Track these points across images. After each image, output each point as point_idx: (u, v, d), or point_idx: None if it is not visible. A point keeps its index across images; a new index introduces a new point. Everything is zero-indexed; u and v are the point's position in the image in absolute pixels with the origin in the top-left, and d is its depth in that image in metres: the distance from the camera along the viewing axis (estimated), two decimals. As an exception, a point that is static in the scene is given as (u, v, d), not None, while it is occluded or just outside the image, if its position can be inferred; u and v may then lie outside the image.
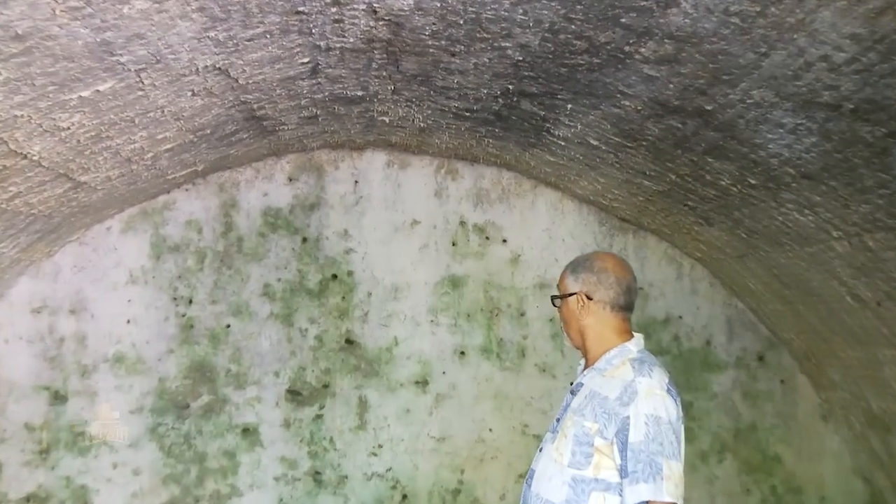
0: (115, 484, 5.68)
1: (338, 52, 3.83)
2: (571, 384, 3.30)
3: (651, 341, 6.07)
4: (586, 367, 3.30)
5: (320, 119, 5.07)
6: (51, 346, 5.68)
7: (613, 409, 3.04)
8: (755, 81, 3.26)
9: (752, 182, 4.31)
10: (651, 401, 3.02)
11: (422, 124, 5.23)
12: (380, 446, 5.90)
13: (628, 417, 3.00)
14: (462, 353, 6.01)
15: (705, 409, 6.09)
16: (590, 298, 3.26)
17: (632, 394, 3.04)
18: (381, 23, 3.43)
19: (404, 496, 5.88)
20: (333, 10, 3.27)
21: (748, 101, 3.44)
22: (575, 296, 3.28)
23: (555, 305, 3.39)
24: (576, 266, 3.33)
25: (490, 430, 5.98)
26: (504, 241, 6.11)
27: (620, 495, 3.01)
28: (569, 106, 4.26)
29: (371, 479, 5.87)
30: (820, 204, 4.15)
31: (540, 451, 3.24)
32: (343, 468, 5.87)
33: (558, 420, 3.23)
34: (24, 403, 5.64)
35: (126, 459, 5.71)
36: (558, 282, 3.39)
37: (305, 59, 3.87)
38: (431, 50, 3.76)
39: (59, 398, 5.66)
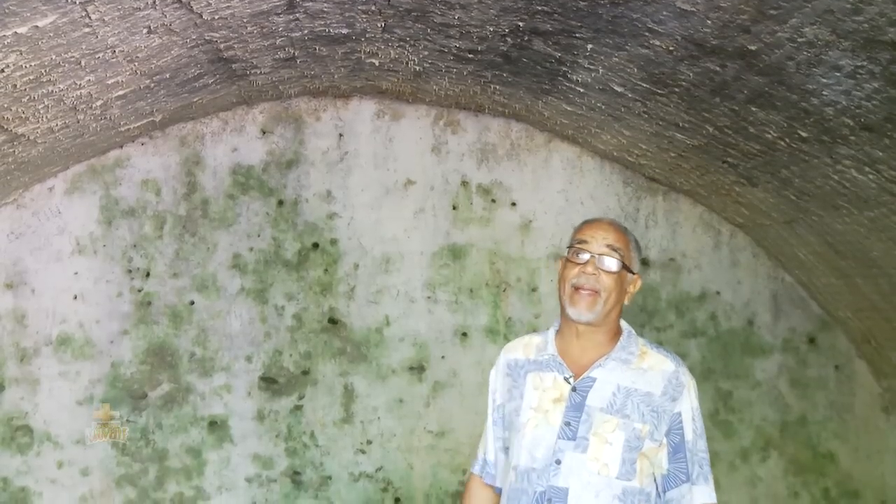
0: (61, 486, 5.71)
1: (318, -17, 3.82)
2: (567, 379, 3.15)
3: (684, 321, 6.09)
4: (560, 348, 3.23)
5: (298, 61, 5.06)
6: (-15, 326, 5.71)
7: (662, 407, 3.09)
8: (807, 16, 3.24)
9: (803, 135, 4.30)
10: (695, 392, 3.17)
11: (417, 68, 5.22)
12: (368, 442, 5.93)
13: (680, 414, 3.10)
14: (464, 334, 6.03)
15: (747, 399, 6.12)
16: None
17: (678, 386, 3.12)
18: (368, -53, 3.42)
19: (397, 500, 5.92)
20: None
21: (799, 39, 3.42)
22: (635, 276, 3.24)
23: (605, 269, 3.14)
24: (637, 241, 3.29)
25: (496, 423, 6.00)
26: (513, 204, 6.11)
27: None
28: (589, 46, 4.24)
29: (358, 480, 5.91)
30: (882, 160, 4.14)
31: (557, 463, 3.07)
32: (326, 468, 5.90)
33: (569, 424, 3.10)
34: (-46, 393, 5.68)
35: (73, 458, 5.73)
36: (618, 243, 3.19)
37: (280, -9, 3.87)
38: (428, -21, 3.75)
39: (-5, 387, 5.70)
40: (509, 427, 3.27)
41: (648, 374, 3.14)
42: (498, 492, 3.39)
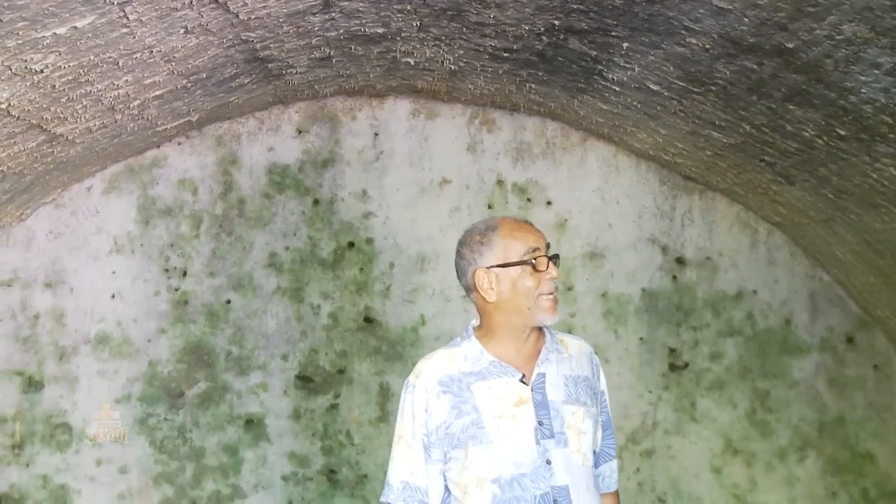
0: (100, 483, 5.75)
1: (354, -18, 3.83)
2: (522, 379, 3.11)
3: (720, 320, 6.06)
4: (496, 353, 3.19)
5: (334, 61, 5.07)
6: (23, 324, 5.74)
7: (594, 387, 3.25)
8: (845, 14, 3.21)
9: (842, 133, 4.27)
10: None
11: (452, 67, 5.22)
12: (404, 441, 5.93)
13: (604, 392, 3.31)
14: (499, 333, 6.01)
15: (784, 399, 6.08)
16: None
17: (596, 366, 3.31)
18: (404, -53, 3.42)
19: (432, 499, 5.91)
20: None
21: (837, 37, 3.40)
22: None
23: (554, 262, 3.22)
24: None
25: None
26: (548, 203, 6.10)
27: None
28: (625, 44, 4.23)
29: (394, 478, 5.91)
30: (922, 159, 4.11)
31: (548, 463, 3.05)
32: (362, 466, 5.91)
33: (542, 423, 3.07)
34: (-6, 391, 5.72)
35: (112, 456, 5.77)
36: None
37: (316, -9, 3.87)
38: (463, -21, 3.75)
39: (33, 385, 5.73)
40: (463, 444, 3.11)
41: (577, 359, 3.24)
42: None
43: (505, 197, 6.07)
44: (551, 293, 3.13)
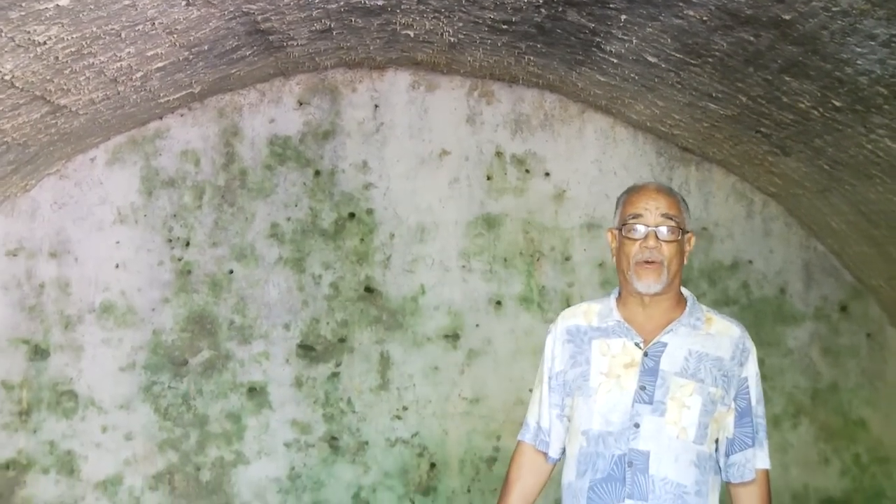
0: (105, 449, 5.77)
1: (354, -46, 3.80)
2: (639, 344, 3.14)
3: (716, 289, 6.06)
4: (625, 315, 3.22)
5: (335, 33, 5.05)
6: (29, 293, 5.74)
7: (731, 371, 3.12)
8: (842, -15, 3.20)
9: (837, 104, 4.25)
10: (756, 358, 3.22)
11: (452, 39, 5.20)
12: (404, 409, 5.95)
13: (746, 379, 3.16)
14: (498, 302, 6.02)
15: (779, 366, 6.09)
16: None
17: (745, 351, 3.16)
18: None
19: (432, 465, 5.93)
20: None
21: (834, 8, 3.37)
22: (689, 235, 3.22)
23: (665, 239, 3.13)
24: (684, 199, 3.25)
25: (530, 390, 5.96)
26: (547, 174, 6.09)
27: (717, 472, 3.17)
28: (622, 16, 4.20)
29: (395, 445, 5.93)
30: (916, 130, 4.10)
31: (637, 427, 3.07)
32: (363, 433, 5.92)
33: (644, 388, 3.09)
34: None
35: (117, 422, 5.78)
36: (671, 210, 3.16)
37: (316, -37, 3.85)
38: (463, -49, 3.72)
39: (39, 353, 5.74)
40: (572, 393, 3.23)
41: (717, 339, 3.15)
42: (550, 461, 3.39)
43: (504, 168, 6.06)
44: (644, 261, 3.10)
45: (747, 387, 3.16)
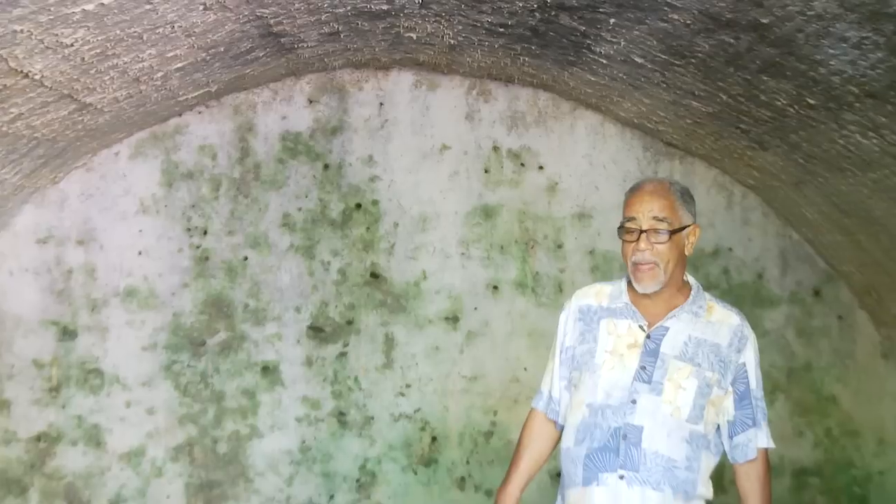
0: (129, 423, 5.77)
1: (361, -38, 3.80)
2: (641, 327, 3.18)
3: (698, 275, 6.05)
4: (633, 299, 3.24)
5: (342, 36, 5.04)
6: (58, 278, 5.75)
7: (728, 357, 3.15)
8: (817, -9, 3.19)
9: (811, 102, 4.25)
10: (755, 344, 3.24)
11: (452, 41, 5.18)
12: (407, 386, 5.96)
13: (744, 364, 3.18)
14: (495, 287, 6.02)
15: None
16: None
17: (742, 339, 3.18)
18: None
19: (434, 438, 5.94)
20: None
21: (809, 12, 3.37)
22: (690, 228, 3.20)
23: (657, 241, 3.11)
24: (684, 193, 3.23)
25: (525, 369, 6.00)
26: (540, 167, 6.08)
27: (715, 453, 3.20)
28: (611, 20, 4.20)
29: (398, 420, 5.94)
30: (885, 126, 4.09)
31: (634, 403, 3.09)
32: (369, 409, 5.93)
33: (644, 368, 3.11)
34: (31, 339, 5.72)
35: (140, 398, 5.79)
36: (663, 212, 3.12)
37: (326, -30, 3.84)
38: (462, -41, 3.71)
39: (67, 333, 5.74)
40: (579, 367, 3.25)
41: (716, 326, 3.17)
42: (558, 427, 3.41)
43: (500, 162, 6.05)
44: (640, 263, 3.12)
45: (745, 372, 3.18)
